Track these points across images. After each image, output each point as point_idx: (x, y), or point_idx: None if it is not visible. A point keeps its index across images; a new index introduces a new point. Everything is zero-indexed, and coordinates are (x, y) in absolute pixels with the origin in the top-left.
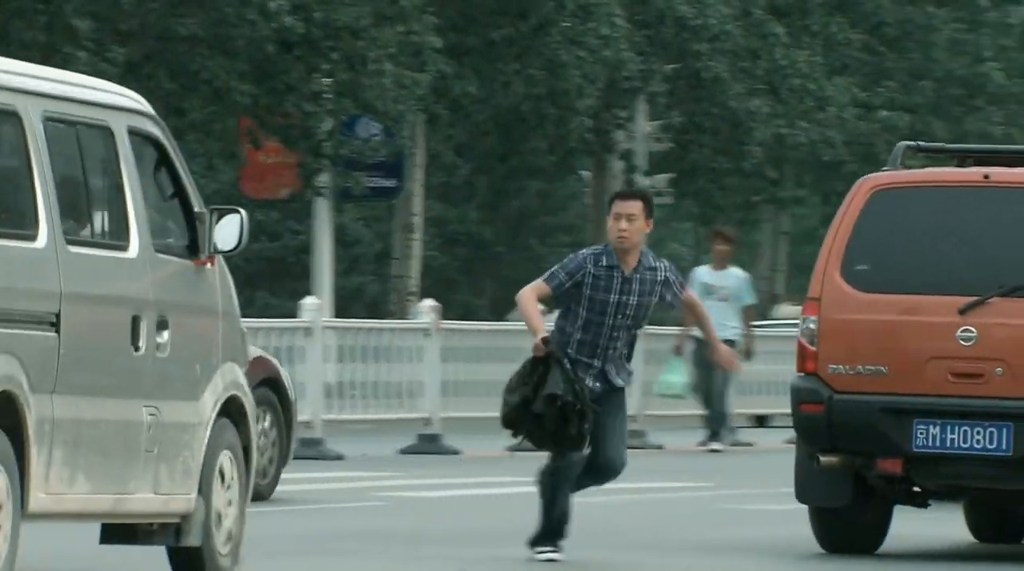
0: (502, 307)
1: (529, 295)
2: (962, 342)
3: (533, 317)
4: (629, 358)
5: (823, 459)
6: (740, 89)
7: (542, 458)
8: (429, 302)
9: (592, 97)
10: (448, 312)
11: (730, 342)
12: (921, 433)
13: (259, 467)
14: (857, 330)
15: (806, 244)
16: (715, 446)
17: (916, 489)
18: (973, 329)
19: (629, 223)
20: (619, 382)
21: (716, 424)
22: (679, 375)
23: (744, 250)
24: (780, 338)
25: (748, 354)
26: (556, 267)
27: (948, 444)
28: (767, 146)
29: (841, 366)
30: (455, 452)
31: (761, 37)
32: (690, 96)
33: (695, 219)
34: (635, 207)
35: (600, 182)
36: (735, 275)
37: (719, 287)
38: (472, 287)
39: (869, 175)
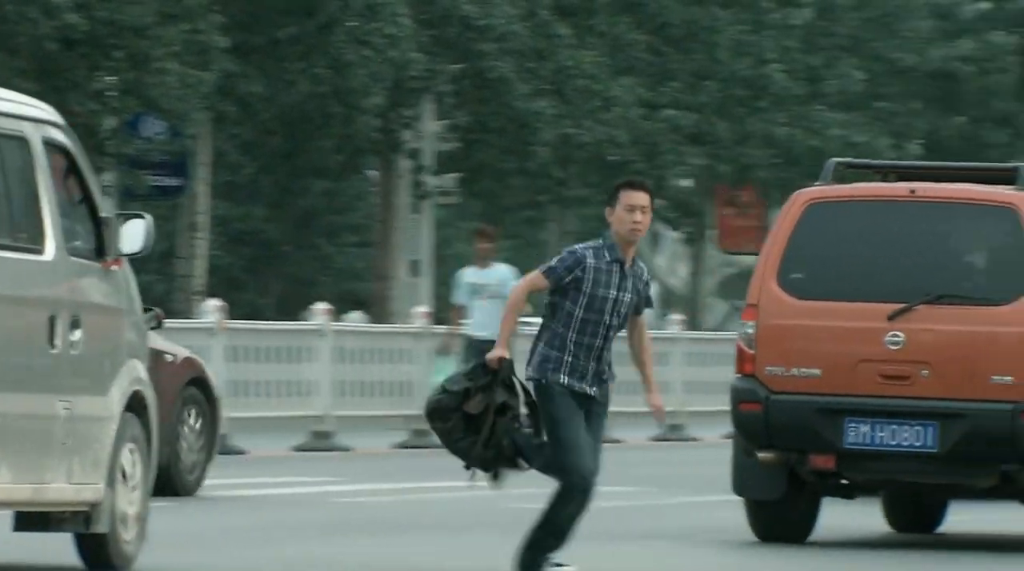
0: (288, 306)
1: (521, 293)
2: (890, 346)
3: (507, 326)
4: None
5: (760, 455)
6: (526, 89)
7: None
8: (214, 301)
9: (378, 96)
10: (234, 311)
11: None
12: (852, 431)
13: (187, 463)
14: (792, 335)
15: None
16: None
17: (844, 483)
18: (901, 334)
19: (643, 215)
20: (608, 380)
21: None
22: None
23: (530, 250)
24: None
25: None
26: (553, 261)
27: (877, 441)
28: (553, 146)
29: (777, 368)
30: (240, 452)
31: (547, 37)
32: (476, 96)
33: (482, 219)
34: (645, 199)
35: (387, 181)
36: (500, 272)
37: (485, 285)
38: (258, 286)
39: (803, 189)
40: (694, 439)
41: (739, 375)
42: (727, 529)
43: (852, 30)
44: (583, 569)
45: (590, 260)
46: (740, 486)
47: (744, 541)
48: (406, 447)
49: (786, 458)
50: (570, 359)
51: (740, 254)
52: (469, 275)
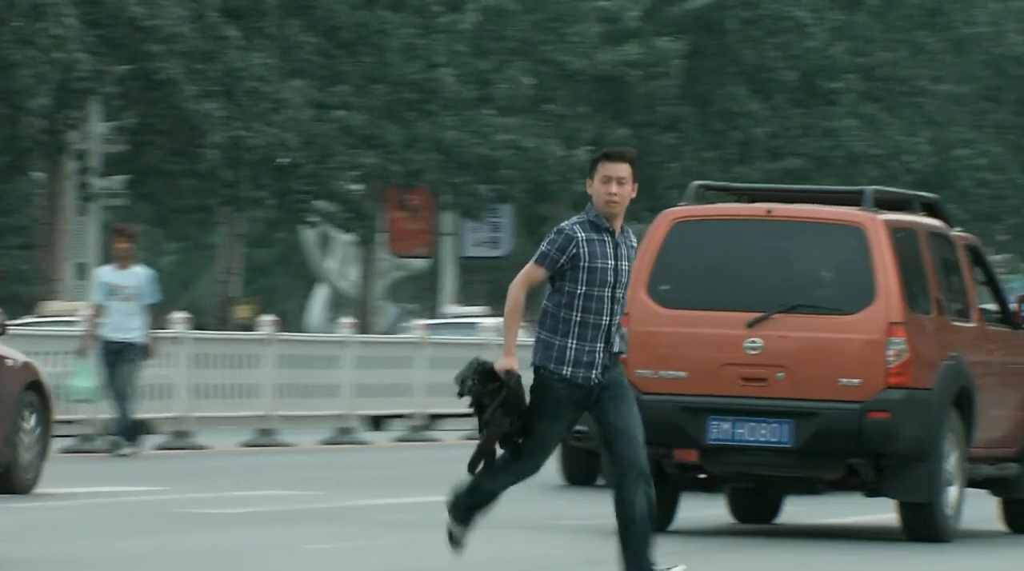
0: None
1: (518, 292)
2: (749, 351)
3: (511, 333)
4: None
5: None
6: (195, 91)
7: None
8: None
9: (44, 97)
10: None
11: (132, 345)
12: (714, 428)
13: (24, 462)
14: (660, 341)
15: (262, 247)
16: (125, 450)
17: (703, 476)
18: (759, 340)
19: (619, 186)
20: (620, 349)
21: (123, 427)
22: (87, 379)
23: (200, 252)
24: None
25: (150, 354)
26: (544, 247)
27: (737, 438)
28: (223, 148)
29: (647, 371)
30: None
31: (216, 39)
32: (144, 97)
33: (150, 221)
34: (624, 170)
35: (53, 183)
36: (139, 274)
37: (123, 286)
38: None
39: (670, 209)
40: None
41: None
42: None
43: (522, 34)
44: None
45: (580, 233)
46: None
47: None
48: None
49: (654, 452)
50: (574, 344)
51: (410, 257)
52: (106, 274)
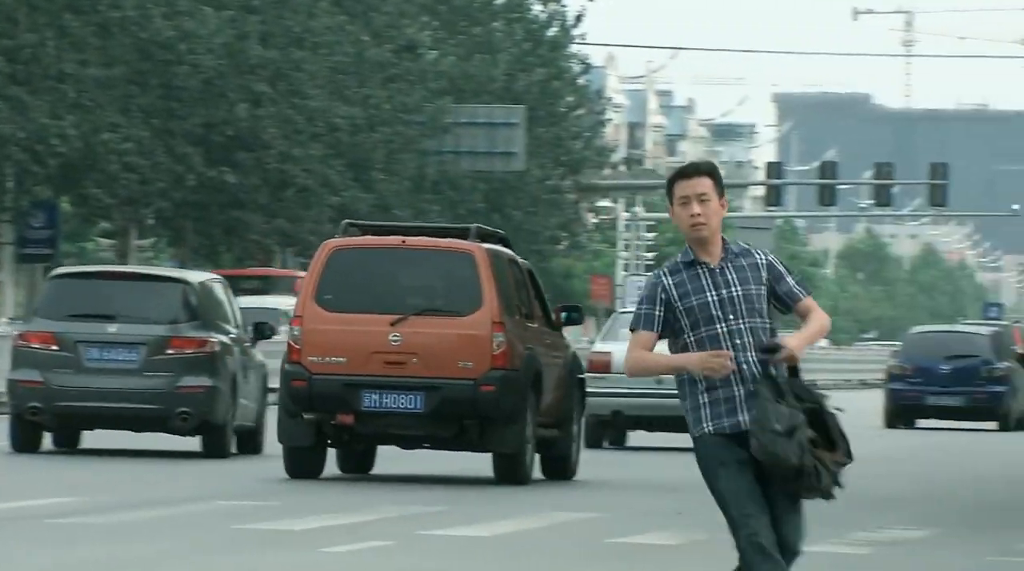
0: None
1: (637, 356)
2: (392, 342)
3: (669, 359)
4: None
5: (305, 416)
6: None
7: None
8: None
9: None
10: None
11: None
12: (367, 398)
13: None
14: (325, 336)
15: None
16: None
17: (355, 436)
18: (399, 334)
19: (702, 205)
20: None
21: None
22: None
23: None
24: None
25: None
26: (635, 310)
27: (384, 405)
28: None
29: (316, 357)
30: None
31: None
32: None
33: None
34: (704, 185)
35: None
36: None
37: None
38: None
39: (330, 240)
40: None
41: (290, 363)
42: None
43: None
44: None
45: (666, 279)
46: (285, 437)
47: (282, 478)
48: None
49: (321, 417)
50: (707, 398)
51: None
52: None
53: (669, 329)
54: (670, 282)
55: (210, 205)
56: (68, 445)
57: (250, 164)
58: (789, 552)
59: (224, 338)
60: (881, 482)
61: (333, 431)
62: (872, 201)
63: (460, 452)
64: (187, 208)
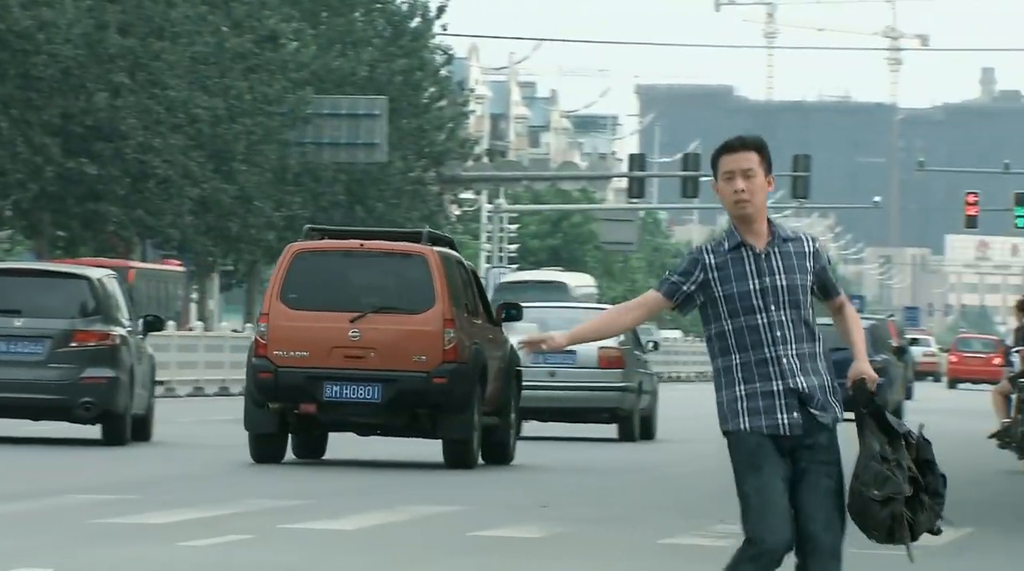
0: None
1: (619, 308)
2: (352, 337)
3: (588, 324)
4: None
5: (271, 405)
6: None
7: None
8: None
9: None
10: None
11: None
12: (328, 389)
13: None
14: (290, 331)
15: None
16: None
17: (313, 423)
18: (358, 330)
19: (747, 180)
20: (820, 414)
21: None
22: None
23: None
24: None
25: None
26: (667, 272)
27: (344, 396)
28: None
29: (281, 351)
30: None
31: None
32: None
33: None
34: (751, 160)
35: None
36: None
37: None
38: None
39: (293, 243)
40: None
41: (257, 357)
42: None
43: None
44: None
45: (708, 257)
46: (250, 425)
47: (247, 462)
48: None
49: (285, 407)
50: (743, 391)
51: None
52: None
53: (698, 310)
54: (712, 262)
55: (68, 196)
56: None
57: (109, 155)
58: (824, 551)
59: (122, 331)
60: None
61: (296, 420)
62: None
63: (412, 439)
64: (45, 199)
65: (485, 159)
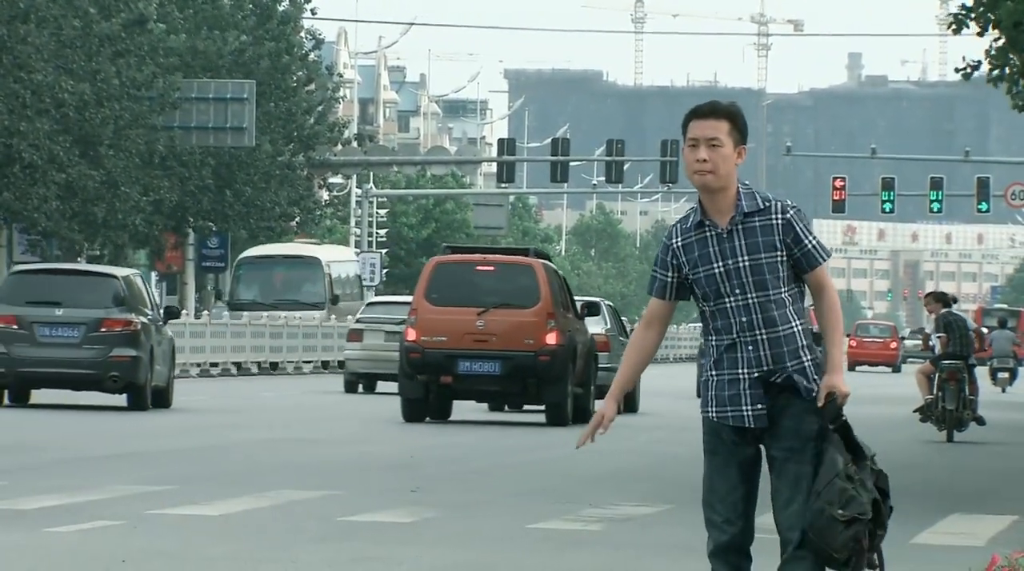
0: None
1: (631, 340)
2: (478, 326)
3: (619, 373)
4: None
5: (419, 377)
6: None
7: None
8: None
9: None
10: None
11: None
12: (462, 365)
13: None
14: (433, 322)
15: None
16: None
17: (453, 392)
18: (483, 321)
19: (711, 150)
20: (802, 385)
21: None
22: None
23: None
24: None
25: None
26: (651, 271)
27: (473, 370)
28: None
29: (427, 337)
30: None
31: None
32: None
33: None
34: (718, 128)
35: None
36: None
37: None
38: None
39: (435, 257)
40: None
41: (407, 341)
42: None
43: None
44: None
45: (676, 240)
46: (403, 392)
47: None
48: None
49: (431, 378)
50: (714, 377)
51: None
52: None
53: (689, 294)
54: (680, 245)
55: None
56: (21, 401)
57: None
58: (788, 544)
59: (144, 319)
60: (614, 459)
61: (437, 388)
62: (604, 178)
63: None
64: None
65: (354, 143)
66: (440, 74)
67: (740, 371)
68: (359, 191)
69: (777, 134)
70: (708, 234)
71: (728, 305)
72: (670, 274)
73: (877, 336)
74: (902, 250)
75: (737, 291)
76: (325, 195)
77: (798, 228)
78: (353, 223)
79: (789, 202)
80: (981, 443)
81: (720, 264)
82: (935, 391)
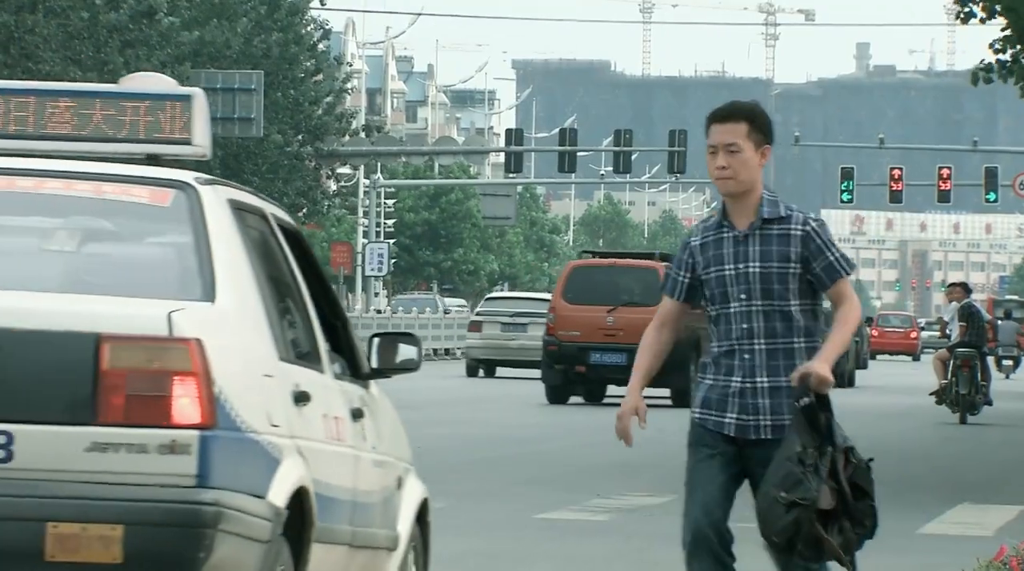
0: None
1: (647, 332)
2: (608, 322)
3: (633, 375)
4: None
5: (556, 367)
6: None
7: None
8: None
9: None
10: None
11: None
12: (593, 356)
13: None
14: (569, 319)
15: None
16: None
17: (586, 379)
18: (612, 317)
19: (730, 155)
20: (771, 418)
21: None
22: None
23: None
24: None
25: None
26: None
27: (603, 360)
28: None
29: (563, 332)
30: None
31: None
32: None
33: None
34: (736, 131)
35: None
36: None
37: None
38: None
39: (572, 261)
40: None
41: (547, 335)
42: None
43: None
44: None
45: (695, 239)
46: (545, 380)
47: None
48: None
49: (567, 367)
50: (709, 379)
51: None
52: None
53: (701, 298)
54: (698, 244)
55: None
56: None
57: None
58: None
59: None
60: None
61: (574, 376)
62: (611, 168)
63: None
64: None
65: (362, 134)
66: (448, 64)
67: (733, 379)
68: (367, 181)
69: (785, 124)
70: (726, 236)
71: (732, 310)
72: (683, 273)
73: (898, 326)
74: (910, 240)
75: (743, 296)
76: (333, 185)
77: (820, 240)
78: (361, 213)
79: (813, 215)
80: (992, 425)
81: (731, 266)
82: (949, 376)
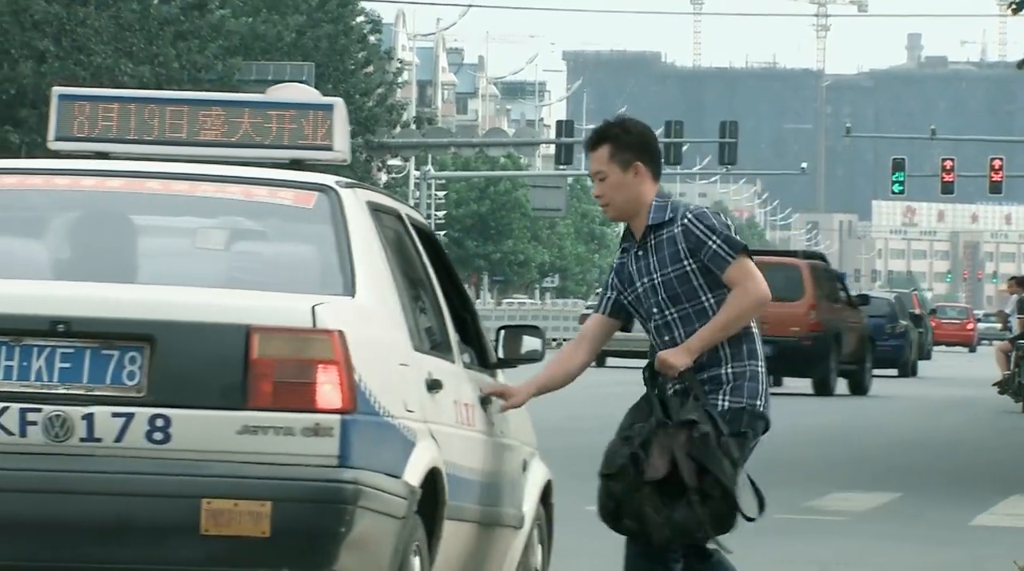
0: None
1: (562, 349)
2: None
3: (525, 381)
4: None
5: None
6: None
7: None
8: None
9: None
10: None
11: None
12: None
13: None
14: None
15: None
16: None
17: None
18: None
19: (601, 183)
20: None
21: None
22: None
23: None
24: None
25: None
26: None
27: None
28: None
29: None
30: None
31: None
32: None
33: None
34: (599, 158)
35: None
36: None
37: None
38: None
39: None
40: None
41: None
42: None
43: None
44: None
45: (616, 260)
46: None
47: None
48: None
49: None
50: (648, 391)
51: None
52: None
53: (629, 316)
54: (617, 266)
55: None
56: None
57: (34, 122)
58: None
59: None
60: None
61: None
62: (662, 159)
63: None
64: None
65: (413, 126)
66: (498, 56)
67: (652, 393)
68: (417, 173)
69: (837, 115)
70: (629, 254)
71: (654, 324)
72: (610, 291)
73: (955, 318)
74: (961, 231)
75: (655, 310)
76: (384, 177)
77: (698, 230)
78: (412, 205)
79: (692, 206)
80: None
81: (640, 283)
82: (1012, 367)
